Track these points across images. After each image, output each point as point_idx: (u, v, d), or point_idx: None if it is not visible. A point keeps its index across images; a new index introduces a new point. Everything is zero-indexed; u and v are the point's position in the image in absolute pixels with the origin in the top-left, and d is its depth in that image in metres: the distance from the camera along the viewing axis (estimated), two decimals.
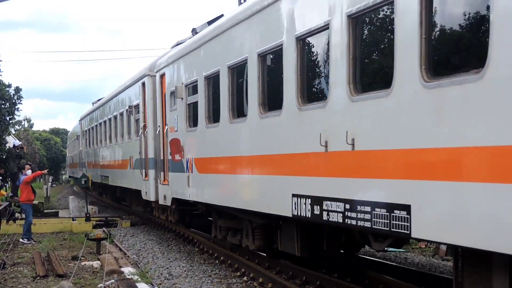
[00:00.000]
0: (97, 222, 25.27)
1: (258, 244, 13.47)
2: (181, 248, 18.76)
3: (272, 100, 11.25)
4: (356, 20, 8.66)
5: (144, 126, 20.64)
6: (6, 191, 30.85)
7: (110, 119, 28.41)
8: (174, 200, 17.51)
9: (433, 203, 7.13)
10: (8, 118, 32.12)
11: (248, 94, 12.00)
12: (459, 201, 6.73)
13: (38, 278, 14.49)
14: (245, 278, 13.79)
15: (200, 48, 14.91)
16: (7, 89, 31.89)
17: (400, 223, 7.73)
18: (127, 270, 15.01)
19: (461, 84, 6.71)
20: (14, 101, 32.08)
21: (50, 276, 14.71)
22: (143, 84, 20.76)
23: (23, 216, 23.25)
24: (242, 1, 13.33)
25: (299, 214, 10.07)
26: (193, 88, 15.53)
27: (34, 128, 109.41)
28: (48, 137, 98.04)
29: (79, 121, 44.37)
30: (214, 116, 14.18)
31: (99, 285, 13.26)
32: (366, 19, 8.54)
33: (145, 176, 20.56)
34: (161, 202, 18.75)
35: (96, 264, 16.08)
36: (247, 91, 12.10)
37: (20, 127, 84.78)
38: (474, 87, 6.53)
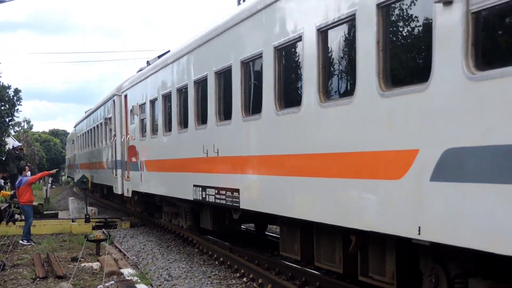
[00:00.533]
0: (96, 224, 25.40)
1: (189, 224, 18.74)
2: (181, 249, 18.82)
3: (184, 122, 16.53)
4: (325, 34, 9.38)
5: (114, 134, 26.03)
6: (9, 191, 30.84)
7: (93, 128, 34.18)
8: (134, 192, 23.06)
9: (250, 188, 12.12)
10: (7, 120, 32.18)
11: (172, 115, 17.39)
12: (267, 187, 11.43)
13: (38, 279, 14.53)
14: (244, 279, 13.84)
15: (147, 79, 20.48)
16: (6, 90, 31.93)
17: (235, 199, 12.83)
18: (127, 271, 15.05)
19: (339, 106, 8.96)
20: (13, 102, 32.14)
21: (49, 277, 14.74)
22: (114, 101, 26.32)
23: (23, 217, 23.28)
24: (241, 1, 13.63)
25: (195, 198, 15.35)
26: (143, 108, 20.92)
27: (34, 130, 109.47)
28: (47, 138, 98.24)
29: (74, 127, 51.54)
30: (155, 129, 19.53)
31: (98, 286, 13.30)
32: (333, 33, 9.21)
33: (115, 174, 25.78)
34: (125, 194, 24.55)
35: (95, 265, 16.12)
36: (170, 113, 17.60)
37: (20, 128, 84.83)
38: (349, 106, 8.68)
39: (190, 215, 18.49)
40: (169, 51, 19.64)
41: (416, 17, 7.53)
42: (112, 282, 13.59)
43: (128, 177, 23.52)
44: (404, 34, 7.83)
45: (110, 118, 27.31)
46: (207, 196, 14.52)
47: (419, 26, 7.48)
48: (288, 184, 10.48)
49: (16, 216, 26.12)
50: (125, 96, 24.06)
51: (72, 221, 25.68)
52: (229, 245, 16.43)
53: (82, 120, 42.57)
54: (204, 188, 14.69)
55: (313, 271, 12.89)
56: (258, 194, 11.78)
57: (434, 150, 6.92)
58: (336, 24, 8.97)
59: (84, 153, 40.30)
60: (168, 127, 17.98)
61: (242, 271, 14.41)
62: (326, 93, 9.42)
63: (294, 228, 11.73)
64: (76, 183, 32.33)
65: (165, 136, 18.13)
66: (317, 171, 9.49)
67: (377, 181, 8.01)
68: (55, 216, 30.06)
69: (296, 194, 10.26)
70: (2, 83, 32.11)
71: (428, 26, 7.18)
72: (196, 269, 15.27)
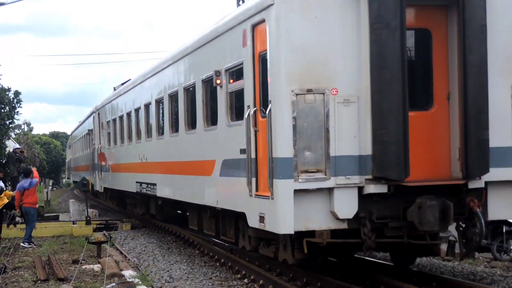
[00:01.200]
0: (97, 226, 25.56)
1: (142, 211, 25.07)
2: (182, 250, 18.97)
3: (129, 137, 23.77)
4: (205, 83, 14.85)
5: (94, 143, 32.37)
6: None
7: (82, 137, 41.19)
8: (106, 188, 30.03)
9: (164, 182, 18.44)
10: (7, 122, 32.22)
11: (124, 132, 24.59)
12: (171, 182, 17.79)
13: (39, 282, 14.61)
14: (245, 280, 13.92)
15: (111, 103, 27.79)
16: (6, 93, 31.99)
17: (155, 191, 19.38)
18: (128, 273, 15.13)
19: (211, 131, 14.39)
20: (13, 105, 32.17)
21: (51, 280, 14.82)
22: (93, 117, 32.96)
23: (23, 220, 23.36)
24: (240, 2, 14.03)
25: (137, 191, 22.13)
26: (108, 124, 28.05)
27: (34, 132, 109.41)
28: (47, 140, 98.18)
29: (70, 134, 60.35)
30: (115, 141, 26.55)
31: None
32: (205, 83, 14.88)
33: (95, 175, 31.99)
34: (100, 190, 31.11)
35: (96, 267, 16.19)
36: (122, 130, 24.90)
37: (20, 131, 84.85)
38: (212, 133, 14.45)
39: (143, 205, 24.62)
40: (130, 79, 25.26)
41: (212, 90, 14.12)
42: (114, 284, 13.66)
43: (101, 176, 30.27)
44: (209, 99, 14.55)
45: (92, 130, 33.85)
46: (141, 189, 21.31)
47: (214, 95, 13.91)
48: (175, 179, 17.35)
49: (17, 218, 26.12)
50: (99, 113, 31.04)
51: (73, 223, 25.89)
52: (230, 246, 16.51)
53: (75, 129, 49.34)
54: (140, 183, 21.45)
55: (314, 273, 12.97)
56: (164, 185, 18.55)
57: (219, 160, 13.52)
58: (205, 79, 14.69)
59: (76, 157, 47.36)
60: (121, 140, 25.14)
61: (243, 272, 14.49)
62: (207, 122, 14.81)
63: (193, 209, 17.22)
64: (77, 185, 33.40)
65: (121, 146, 25.31)
66: (184, 171, 16.32)
67: (204, 176, 14.57)
68: (56, 218, 30.30)
69: (178, 185, 17.13)
70: (2, 85, 32.17)
71: (215, 96, 13.76)
72: (197, 271, 15.35)
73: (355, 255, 15.01)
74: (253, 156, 11.71)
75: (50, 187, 50.04)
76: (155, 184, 19.57)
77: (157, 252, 18.82)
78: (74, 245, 21.20)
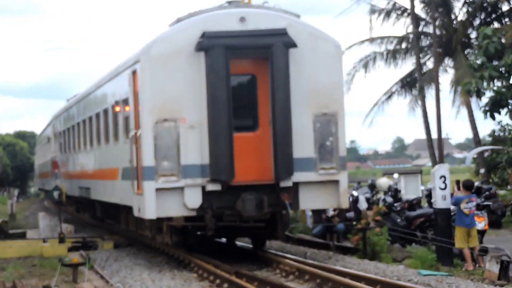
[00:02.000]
0: (73, 244, 21.63)
1: (90, 214, 28.37)
2: (175, 273, 16.23)
3: (69, 149, 28.62)
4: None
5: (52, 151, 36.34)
6: None
7: (42, 145, 44.44)
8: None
9: (94, 187, 22.94)
10: None
11: (70, 143, 28.60)
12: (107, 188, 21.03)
13: None
14: None
15: (62, 114, 31.39)
16: None
17: (90, 194, 23.73)
18: None
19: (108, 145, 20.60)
20: None
21: None
22: (52, 125, 35.74)
23: None
24: None
25: (79, 195, 26.33)
26: (57, 136, 33.02)
27: None
28: (12, 141, 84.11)
29: (39, 135, 56.92)
30: (65, 150, 29.82)
31: None
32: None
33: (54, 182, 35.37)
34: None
35: None
36: (65, 143, 29.91)
37: None
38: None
39: (90, 207, 27.43)
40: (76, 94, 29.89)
41: (117, 113, 18.84)
42: None
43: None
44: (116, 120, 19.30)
45: (50, 139, 36.56)
46: (82, 193, 25.26)
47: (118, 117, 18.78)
48: (99, 183, 21.82)
49: None
50: (53, 123, 34.82)
51: (44, 242, 21.69)
52: (234, 269, 15.18)
53: (44, 130, 46.54)
54: (81, 188, 25.32)
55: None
56: (94, 189, 22.79)
57: (121, 168, 18.20)
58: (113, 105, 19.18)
59: (40, 164, 48.19)
60: (69, 149, 28.71)
61: None
62: (115, 136, 19.41)
63: (122, 209, 20.39)
64: (48, 195, 29.23)
65: (69, 155, 28.74)
66: (104, 176, 20.65)
67: (113, 180, 19.22)
68: (22, 236, 25.34)
69: (100, 188, 21.58)
70: None
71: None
72: None
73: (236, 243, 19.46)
74: (135, 165, 16.49)
75: (15, 198, 41.37)
76: (89, 188, 23.59)
77: (145, 276, 16.02)
78: (45, 268, 17.83)
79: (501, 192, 31.22)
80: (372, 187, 27.62)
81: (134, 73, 16.52)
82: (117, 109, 18.21)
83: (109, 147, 20.20)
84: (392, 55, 40.47)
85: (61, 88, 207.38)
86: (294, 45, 15.68)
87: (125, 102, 17.59)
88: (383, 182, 27.91)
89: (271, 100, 15.69)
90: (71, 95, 32.58)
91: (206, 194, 15.68)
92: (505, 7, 36.94)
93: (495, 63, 27.92)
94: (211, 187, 15.60)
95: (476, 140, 37.56)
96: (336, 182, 16.17)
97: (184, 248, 17.65)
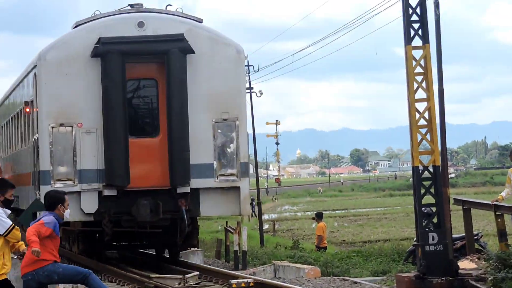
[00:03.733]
0: None
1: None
2: None
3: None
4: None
5: None
6: None
7: None
8: None
9: (22, 194, 19.34)
10: None
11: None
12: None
13: None
14: None
15: None
16: None
17: (18, 204, 19.64)
18: None
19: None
20: None
21: None
22: None
23: None
24: None
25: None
26: None
27: None
28: None
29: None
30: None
31: None
32: None
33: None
34: None
35: None
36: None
37: None
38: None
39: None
40: None
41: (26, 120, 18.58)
42: None
43: None
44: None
45: None
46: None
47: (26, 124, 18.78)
48: (22, 190, 18.95)
49: None
50: None
51: None
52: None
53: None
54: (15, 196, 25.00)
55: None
56: (20, 197, 19.64)
57: (31, 172, 17.40)
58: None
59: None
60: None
61: None
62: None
63: None
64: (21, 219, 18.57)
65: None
66: (26, 182, 18.42)
67: (28, 186, 17.96)
68: None
69: (23, 196, 19.28)
70: None
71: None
72: None
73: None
74: (37, 169, 16.71)
75: None
76: (18, 197, 19.67)
77: None
78: None
79: None
80: None
81: (35, 76, 16.83)
82: (27, 110, 18.22)
83: (25, 151, 19.73)
84: None
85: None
86: (191, 50, 15.99)
87: (32, 104, 17.77)
88: None
89: (167, 106, 16.00)
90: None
91: (102, 199, 15.99)
92: None
93: None
94: (107, 192, 15.90)
95: None
96: (237, 189, 16.36)
97: (94, 257, 17.84)
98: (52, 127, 15.82)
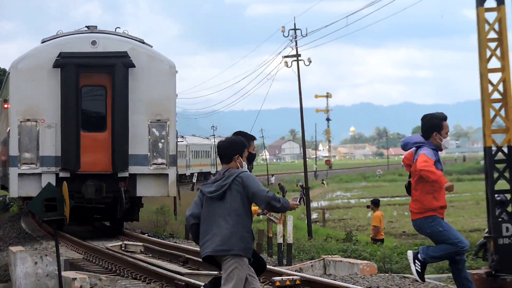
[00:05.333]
0: None
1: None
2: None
3: None
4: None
5: None
6: None
7: None
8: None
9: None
10: None
11: None
12: None
13: None
14: None
15: None
16: None
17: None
18: None
19: None
20: None
21: None
22: None
23: None
24: None
25: None
26: None
27: None
28: None
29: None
30: None
31: None
32: None
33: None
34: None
35: None
36: None
37: None
38: None
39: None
40: None
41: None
42: None
43: None
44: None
45: None
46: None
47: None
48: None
49: None
50: None
51: None
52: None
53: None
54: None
55: None
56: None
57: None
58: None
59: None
60: None
61: None
62: None
63: None
64: (31, 207, 13.98)
65: None
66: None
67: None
68: None
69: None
70: None
71: None
72: None
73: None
74: (10, 154, 21.43)
75: None
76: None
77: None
78: None
79: None
80: None
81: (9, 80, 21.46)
82: (5, 106, 23.02)
83: (5, 140, 24.99)
84: None
85: None
86: (132, 65, 20.72)
87: (8, 102, 22.49)
88: None
89: (112, 107, 20.73)
90: None
91: (59, 179, 20.47)
92: None
93: None
94: (62, 174, 20.61)
95: None
96: (166, 175, 21.22)
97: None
98: (21, 122, 20.54)
